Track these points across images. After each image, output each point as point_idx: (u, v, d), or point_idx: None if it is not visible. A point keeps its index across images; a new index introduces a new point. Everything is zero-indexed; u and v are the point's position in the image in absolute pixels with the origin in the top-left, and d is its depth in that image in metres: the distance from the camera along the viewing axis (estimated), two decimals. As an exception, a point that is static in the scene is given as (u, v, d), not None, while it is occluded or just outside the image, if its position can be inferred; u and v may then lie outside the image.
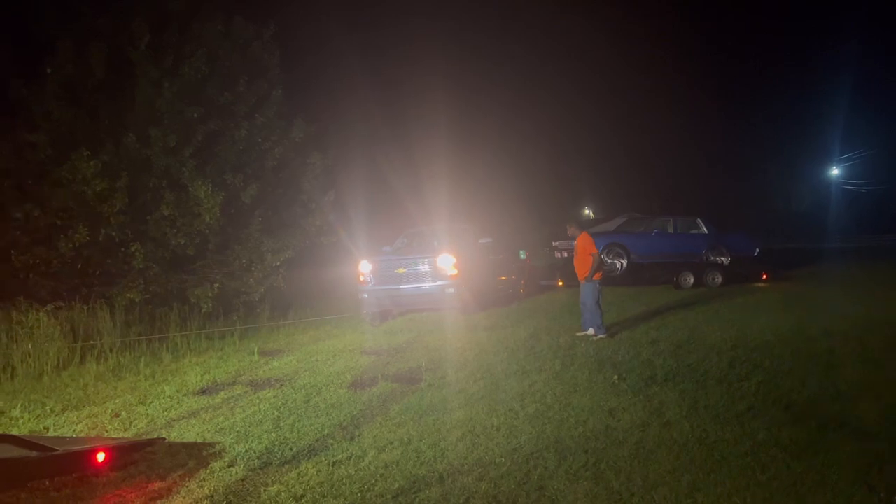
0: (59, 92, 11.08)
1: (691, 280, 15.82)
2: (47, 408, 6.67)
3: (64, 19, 11.65)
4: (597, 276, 9.19)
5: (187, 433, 5.62)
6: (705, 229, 16.67)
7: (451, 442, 4.99)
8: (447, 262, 11.45)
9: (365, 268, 11.96)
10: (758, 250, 17.07)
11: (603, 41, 56.83)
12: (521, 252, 16.06)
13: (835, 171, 44.67)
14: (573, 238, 9.61)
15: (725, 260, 16.39)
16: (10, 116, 11.03)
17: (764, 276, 16.72)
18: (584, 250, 9.21)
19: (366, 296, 11.86)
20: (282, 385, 7.24)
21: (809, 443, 4.55)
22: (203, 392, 7.15)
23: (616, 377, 6.70)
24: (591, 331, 9.18)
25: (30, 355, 8.44)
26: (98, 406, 6.71)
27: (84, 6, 11.79)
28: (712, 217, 17.75)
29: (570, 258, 16.39)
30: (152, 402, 6.79)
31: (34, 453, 4.22)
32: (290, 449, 5.05)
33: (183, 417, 6.14)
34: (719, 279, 15.95)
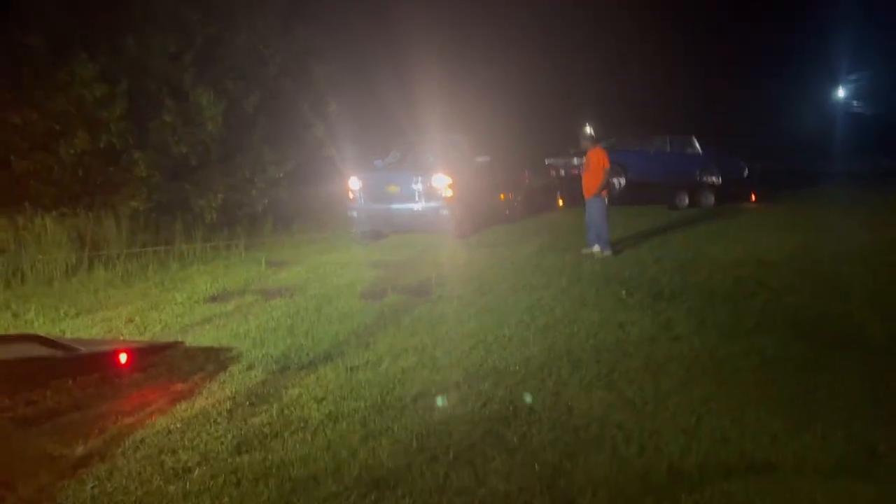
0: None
1: (686, 200, 15.94)
2: (61, 311, 6.74)
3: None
4: (604, 193, 9.17)
5: (203, 338, 5.71)
6: (699, 149, 16.64)
7: (465, 350, 5.08)
8: (442, 183, 10.89)
9: (354, 184, 11.37)
10: (747, 171, 17.11)
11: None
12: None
13: (841, 93, 43.92)
14: (584, 152, 9.52)
15: (717, 180, 16.42)
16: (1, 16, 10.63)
17: (753, 197, 16.85)
18: (597, 164, 9.13)
19: (355, 214, 11.39)
20: (292, 294, 7.31)
21: (817, 359, 4.65)
22: (214, 300, 7.22)
23: (624, 292, 6.77)
24: (596, 248, 9.21)
25: (39, 260, 8.45)
26: (111, 311, 6.78)
27: None
28: (713, 135, 17.63)
29: (567, 177, 16.38)
30: (164, 308, 6.87)
31: (59, 352, 4.28)
32: (307, 354, 5.14)
33: (197, 324, 6.23)
34: (712, 199, 16.11)
